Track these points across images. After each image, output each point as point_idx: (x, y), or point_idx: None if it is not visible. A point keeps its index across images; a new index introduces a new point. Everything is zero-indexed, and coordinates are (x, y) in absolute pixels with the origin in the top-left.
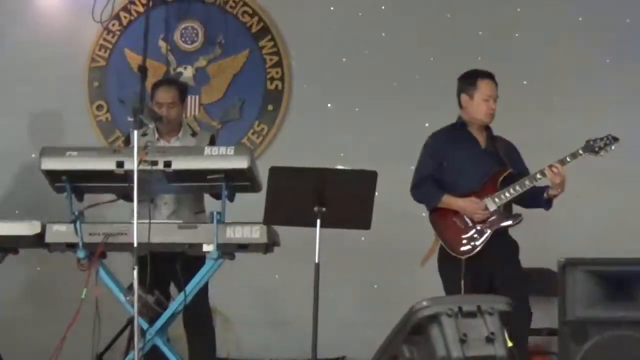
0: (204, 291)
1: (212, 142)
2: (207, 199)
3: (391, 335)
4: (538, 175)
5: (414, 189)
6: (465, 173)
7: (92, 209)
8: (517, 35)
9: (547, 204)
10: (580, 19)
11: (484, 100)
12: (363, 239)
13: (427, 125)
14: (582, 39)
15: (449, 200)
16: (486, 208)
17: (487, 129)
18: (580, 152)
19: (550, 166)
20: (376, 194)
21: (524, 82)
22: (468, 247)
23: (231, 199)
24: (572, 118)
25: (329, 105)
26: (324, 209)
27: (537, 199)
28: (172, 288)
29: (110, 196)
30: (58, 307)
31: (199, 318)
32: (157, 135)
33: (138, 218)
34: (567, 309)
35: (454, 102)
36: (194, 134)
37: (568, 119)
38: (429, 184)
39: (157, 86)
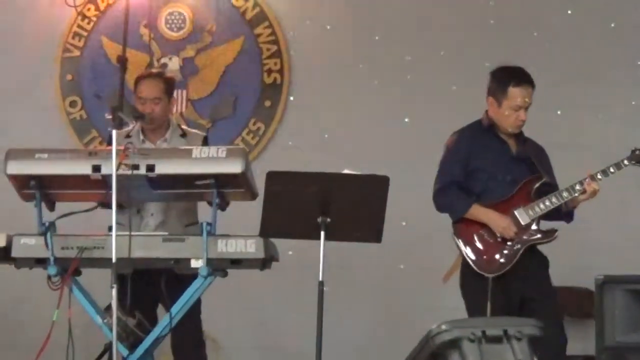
0: (195, 313)
1: (205, 145)
2: (201, 209)
3: None
4: (577, 187)
5: (438, 195)
6: (495, 180)
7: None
8: (535, 34)
9: (568, 216)
10: (612, 25)
11: (514, 110)
12: (373, 252)
13: None
14: (614, 39)
15: (478, 212)
16: (519, 224)
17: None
18: (626, 162)
19: (593, 177)
20: None
21: (552, 80)
22: (497, 264)
23: (223, 207)
24: (607, 120)
25: (333, 101)
26: (328, 219)
27: (556, 211)
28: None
29: (88, 204)
30: (27, 330)
31: (189, 343)
32: (142, 137)
33: (121, 230)
34: (606, 333)
35: None
36: (184, 135)
37: (602, 120)
38: (455, 190)
39: (140, 79)
